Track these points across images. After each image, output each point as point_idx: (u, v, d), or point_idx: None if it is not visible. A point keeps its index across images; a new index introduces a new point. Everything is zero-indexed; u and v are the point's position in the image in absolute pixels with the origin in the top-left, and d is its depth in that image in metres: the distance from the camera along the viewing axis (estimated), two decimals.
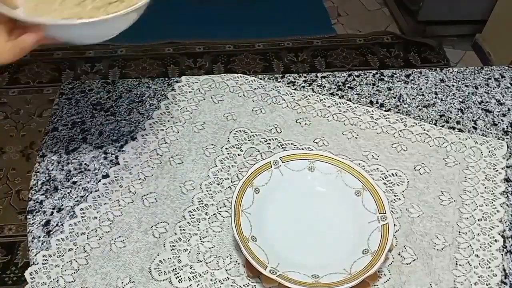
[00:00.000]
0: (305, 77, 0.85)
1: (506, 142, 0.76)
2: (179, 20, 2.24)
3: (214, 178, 0.68)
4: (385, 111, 0.80)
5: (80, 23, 0.51)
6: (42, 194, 0.66)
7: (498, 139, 0.76)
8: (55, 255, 0.59)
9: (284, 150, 0.72)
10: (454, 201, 0.67)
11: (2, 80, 1.87)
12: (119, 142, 0.73)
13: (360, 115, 0.78)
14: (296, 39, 2.17)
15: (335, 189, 0.65)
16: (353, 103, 0.80)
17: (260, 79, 0.84)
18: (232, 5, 2.34)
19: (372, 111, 0.79)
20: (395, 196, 0.68)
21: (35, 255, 0.59)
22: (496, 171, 0.71)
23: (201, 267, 0.59)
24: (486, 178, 0.70)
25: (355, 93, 0.83)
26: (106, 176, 0.68)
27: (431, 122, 0.78)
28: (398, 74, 0.87)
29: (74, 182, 0.67)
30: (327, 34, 2.21)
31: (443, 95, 0.83)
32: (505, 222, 0.66)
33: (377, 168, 0.71)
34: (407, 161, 0.72)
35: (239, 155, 0.72)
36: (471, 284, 0.59)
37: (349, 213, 0.64)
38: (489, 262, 0.61)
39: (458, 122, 0.79)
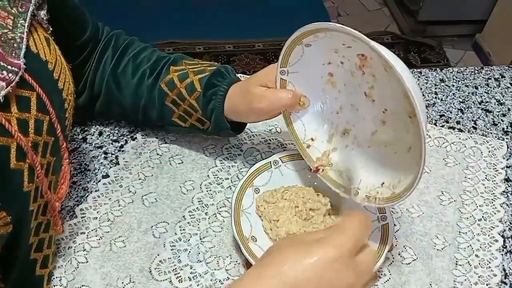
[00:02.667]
0: None
1: (506, 142, 0.76)
2: (179, 20, 2.24)
3: (214, 178, 0.68)
4: None
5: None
6: None
7: (498, 139, 0.76)
8: (55, 254, 0.59)
9: (284, 150, 0.72)
10: (454, 201, 0.67)
11: None
12: (119, 142, 0.72)
13: None
14: None
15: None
16: None
17: None
18: (232, 5, 2.34)
19: None
20: None
21: None
22: (496, 171, 0.71)
23: (201, 267, 0.59)
24: (486, 178, 0.70)
25: None
26: (106, 176, 0.68)
27: (431, 122, 0.78)
28: None
29: (74, 182, 0.67)
30: None
31: (443, 95, 0.83)
32: (505, 222, 0.66)
33: None
34: None
35: (239, 155, 0.72)
36: (471, 284, 0.59)
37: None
38: (489, 262, 0.61)
39: (458, 122, 0.79)
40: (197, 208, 0.65)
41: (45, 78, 0.48)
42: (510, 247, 0.63)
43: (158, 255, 0.60)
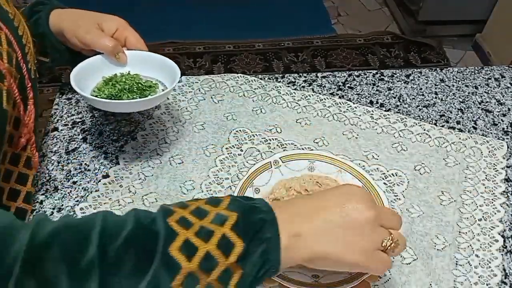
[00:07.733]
0: (305, 77, 0.85)
1: (506, 142, 0.76)
2: (179, 20, 2.24)
3: (214, 178, 0.68)
4: (385, 111, 0.80)
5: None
6: (42, 194, 0.66)
7: (498, 139, 0.76)
8: None
9: (284, 150, 0.72)
10: (454, 201, 0.67)
11: None
12: (119, 142, 0.72)
13: (360, 115, 0.78)
14: (296, 39, 2.17)
15: None
16: (353, 103, 0.80)
17: (260, 79, 0.84)
18: (232, 5, 2.34)
19: (372, 111, 0.79)
20: (395, 196, 0.68)
21: None
22: (496, 171, 0.71)
23: None
24: (486, 178, 0.70)
25: (355, 93, 0.83)
26: (106, 176, 0.68)
27: (431, 122, 0.78)
28: (398, 74, 0.87)
29: (74, 182, 0.67)
30: (327, 34, 2.21)
31: (443, 95, 0.83)
32: (505, 222, 0.66)
33: (377, 168, 0.71)
34: (407, 161, 0.72)
35: (239, 155, 0.72)
36: (471, 284, 0.59)
37: None
38: (489, 262, 0.61)
39: (458, 122, 0.79)
40: None
41: (8, 23, 0.56)
42: (510, 247, 0.63)
43: None
